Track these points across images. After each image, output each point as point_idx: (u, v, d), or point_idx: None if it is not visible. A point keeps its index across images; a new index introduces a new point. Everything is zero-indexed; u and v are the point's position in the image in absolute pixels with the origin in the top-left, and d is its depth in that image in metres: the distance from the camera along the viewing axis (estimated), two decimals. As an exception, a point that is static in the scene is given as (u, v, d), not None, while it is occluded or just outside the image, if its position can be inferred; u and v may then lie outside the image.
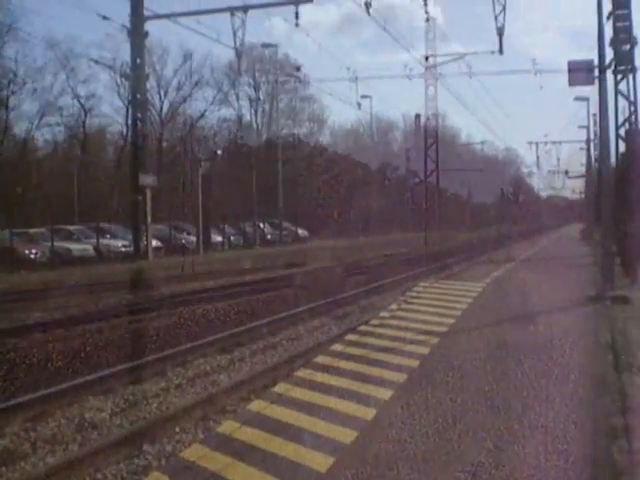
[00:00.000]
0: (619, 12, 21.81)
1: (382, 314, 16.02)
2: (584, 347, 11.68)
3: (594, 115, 42.05)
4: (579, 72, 20.62)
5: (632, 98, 23.01)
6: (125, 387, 11.95)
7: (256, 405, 8.81)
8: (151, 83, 58.08)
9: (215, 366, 13.58)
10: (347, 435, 7.39)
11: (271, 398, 9.00)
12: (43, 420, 10.11)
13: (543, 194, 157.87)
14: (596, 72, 19.86)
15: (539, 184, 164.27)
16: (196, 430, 9.53)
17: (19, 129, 58.33)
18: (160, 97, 67.38)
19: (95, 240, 33.39)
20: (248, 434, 7.57)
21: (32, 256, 30.57)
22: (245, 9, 27.30)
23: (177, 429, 9.50)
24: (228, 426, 7.99)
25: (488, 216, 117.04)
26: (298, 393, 9.08)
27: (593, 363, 10.29)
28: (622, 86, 22.77)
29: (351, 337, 13.15)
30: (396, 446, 7.12)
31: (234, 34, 27.57)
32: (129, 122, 50.82)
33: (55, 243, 31.34)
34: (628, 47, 22.35)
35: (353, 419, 7.94)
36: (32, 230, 35.29)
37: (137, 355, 14.23)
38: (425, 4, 22.40)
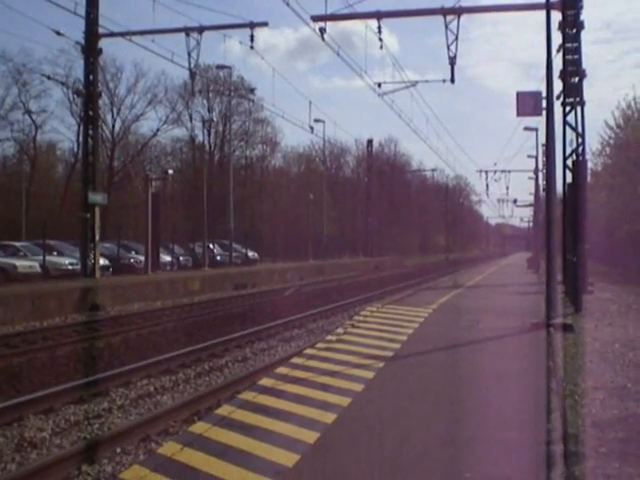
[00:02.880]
0: (568, 45, 22.18)
1: (329, 337, 16.03)
2: (527, 374, 11.78)
3: (543, 145, 42.58)
4: (527, 103, 20.94)
5: (580, 130, 23.37)
6: (67, 407, 11.82)
7: (199, 427, 8.74)
8: (104, 100, 57.99)
9: (159, 387, 13.49)
10: (290, 458, 7.36)
11: (214, 420, 8.94)
12: (-19, 439, 9.97)
13: (492, 222, 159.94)
14: (544, 103, 20.16)
15: (488, 212, 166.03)
16: (137, 451, 9.45)
17: (-33, 143, 57.86)
18: (112, 115, 67.17)
19: (42, 257, 32.84)
20: (189, 456, 7.51)
21: (-25, 271, 29.98)
22: (200, 30, 27.27)
23: (118, 450, 9.41)
24: (169, 448, 7.91)
25: (437, 243, 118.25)
26: (242, 415, 9.04)
27: (536, 390, 10.38)
28: (570, 118, 23.13)
29: (297, 360, 13.14)
30: (337, 471, 7.13)
31: (189, 55, 27.55)
32: (80, 139, 50.58)
33: (0, 259, 30.85)
34: (577, 80, 22.74)
35: (296, 442, 7.92)
36: (-24, 245, 34.67)
37: (80, 374, 14.09)
38: (379, 32, 22.52)
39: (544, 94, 20.06)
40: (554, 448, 7.60)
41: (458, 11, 21.86)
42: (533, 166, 58.44)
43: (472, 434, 8.24)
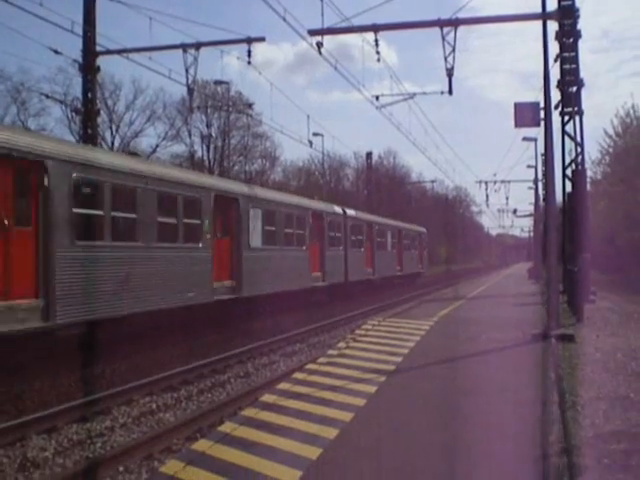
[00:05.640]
0: (566, 55, 22.20)
1: (330, 352, 16.02)
2: (529, 385, 11.76)
3: (542, 155, 42.60)
4: (525, 114, 20.93)
5: (578, 139, 23.37)
6: (69, 426, 11.79)
7: (201, 445, 8.73)
8: (103, 118, 58.13)
9: (161, 404, 13.46)
10: (292, 475, 7.35)
11: (217, 437, 8.93)
12: (-16, 459, 9.94)
13: (493, 232, 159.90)
14: (542, 114, 20.19)
15: (489, 222, 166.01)
16: (140, 470, 9.44)
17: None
18: (112, 132, 67.37)
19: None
20: (192, 474, 7.50)
21: None
22: (198, 46, 27.28)
23: (121, 468, 9.40)
24: (172, 466, 7.90)
25: (438, 254, 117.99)
26: (244, 432, 9.03)
27: (537, 401, 10.36)
28: (569, 127, 23.16)
29: (299, 375, 13.13)
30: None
31: (186, 71, 27.52)
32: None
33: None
34: (575, 89, 22.76)
35: (299, 458, 7.91)
36: None
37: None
38: (376, 45, 22.50)
39: (542, 104, 20.11)
40: (556, 460, 7.58)
41: (455, 23, 21.83)
42: (533, 176, 58.54)
43: (474, 447, 8.22)
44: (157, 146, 70.59)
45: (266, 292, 26.79)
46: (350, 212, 39.71)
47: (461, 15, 22.18)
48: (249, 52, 26.42)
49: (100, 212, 17.57)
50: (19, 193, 15.20)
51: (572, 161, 23.60)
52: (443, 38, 21.83)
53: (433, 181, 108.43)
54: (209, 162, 75.17)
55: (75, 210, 16.49)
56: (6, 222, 14.64)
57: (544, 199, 36.39)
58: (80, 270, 16.47)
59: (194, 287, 21.55)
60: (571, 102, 22.79)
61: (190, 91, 29.42)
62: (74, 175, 16.56)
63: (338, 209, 38.23)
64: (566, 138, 23.23)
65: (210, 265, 22.72)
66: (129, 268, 18.43)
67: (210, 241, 22.80)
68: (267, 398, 11.15)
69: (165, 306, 19.98)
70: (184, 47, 27.17)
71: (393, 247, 49.29)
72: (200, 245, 22.16)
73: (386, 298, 38.39)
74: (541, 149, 45.75)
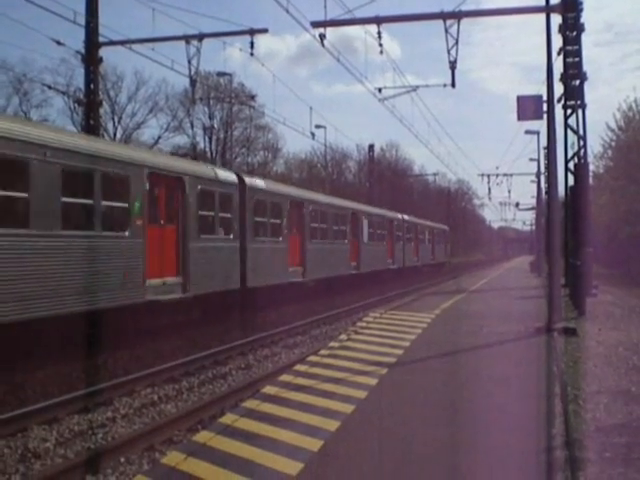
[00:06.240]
0: (569, 48, 22.15)
1: (332, 344, 16.01)
2: (531, 379, 11.75)
3: (545, 148, 42.50)
4: (528, 107, 20.90)
5: (581, 132, 23.33)
6: (71, 417, 11.79)
7: (203, 436, 8.73)
8: (105, 109, 58.14)
9: (163, 396, 13.45)
10: (294, 467, 7.35)
11: (218, 429, 8.93)
12: (-15, 450, 9.99)
13: (495, 225, 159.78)
14: (545, 107, 20.14)
15: (491, 215, 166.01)
16: (141, 461, 9.42)
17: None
18: (114, 123, 67.37)
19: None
20: (193, 465, 7.50)
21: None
22: (200, 37, 27.19)
23: (122, 460, 9.39)
24: (173, 457, 7.90)
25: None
26: (245, 424, 9.03)
27: (540, 395, 10.36)
28: (571, 120, 23.12)
29: (300, 367, 13.13)
30: (341, 479, 7.12)
31: (189, 62, 27.44)
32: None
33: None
34: (577, 82, 22.71)
35: (300, 450, 7.91)
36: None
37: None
38: (379, 37, 22.41)
39: (545, 97, 20.06)
40: (558, 453, 7.58)
41: (458, 15, 21.74)
42: (535, 169, 58.45)
43: (475, 440, 8.22)
44: (159, 137, 70.65)
45: (370, 270, 42.95)
46: (405, 217, 55.36)
47: (464, 7, 22.03)
48: (252, 44, 26.36)
49: (316, 225, 33.50)
50: (288, 217, 29.91)
51: (574, 154, 23.56)
52: (446, 31, 21.75)
53: (435, 174, 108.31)
54: (211, 154, 75.12)
55: (312, 225, 32.84)
56: (285, 231, 29.27)
57: (546, 192, 36.34)
58: (314, 254, 32.71)
59: (342, 265, 37.81)
60: (574, 95, 22.75)
61: (192, 82, 29.35)
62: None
63: (399, 215, 53.66)
64: (569, 131, 23.20)
65: (349, 253, 38.96)
66: (325, 253, 34.32)
67: (350, 239, 39.06)
68: (269, 390, 11.15)
69: (339, 274, 37.06)
70: (187, 38, 27.09)
71: (429, 242, 64.35)
72: (346, 241, 38.49)
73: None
74: (544, 142, 45.55)
